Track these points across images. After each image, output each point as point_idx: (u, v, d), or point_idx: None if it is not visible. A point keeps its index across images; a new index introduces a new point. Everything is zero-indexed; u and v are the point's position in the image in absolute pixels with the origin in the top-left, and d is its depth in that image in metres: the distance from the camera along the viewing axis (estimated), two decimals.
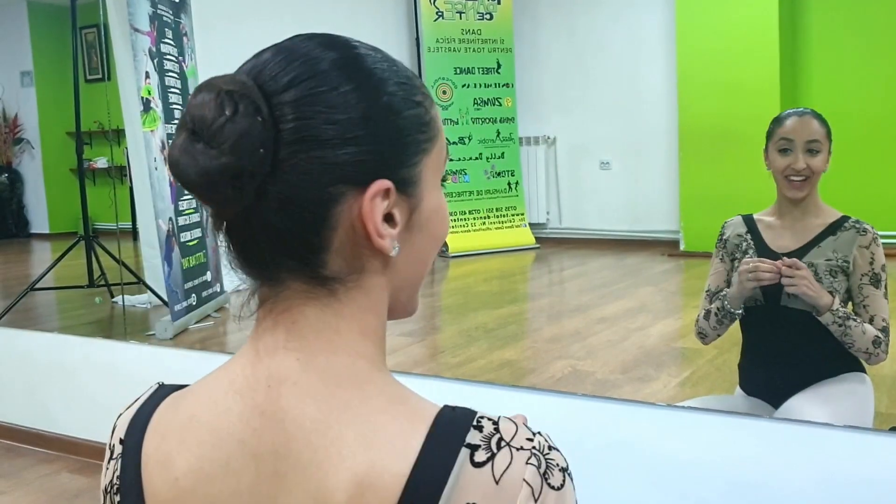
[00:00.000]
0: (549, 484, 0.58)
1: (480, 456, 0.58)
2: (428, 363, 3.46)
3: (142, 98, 3.78)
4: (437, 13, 6.38)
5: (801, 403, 1.94)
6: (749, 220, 2.07)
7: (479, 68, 6.49)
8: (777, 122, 1.99)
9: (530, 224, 6.64)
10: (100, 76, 7.72)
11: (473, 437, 0.58)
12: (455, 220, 6.37)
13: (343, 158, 0.60)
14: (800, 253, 1.95)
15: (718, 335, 2.09)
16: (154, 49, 3.86)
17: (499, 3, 6.54)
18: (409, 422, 0.60)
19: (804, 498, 1.94)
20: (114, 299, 4.50)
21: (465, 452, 0.58)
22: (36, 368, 3.37)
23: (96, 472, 3.02)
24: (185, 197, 4.07)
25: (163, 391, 0.69)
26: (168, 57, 4.02)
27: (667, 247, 6.01)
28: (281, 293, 0.63)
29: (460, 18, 6.45)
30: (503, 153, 6.61)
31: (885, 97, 5.36)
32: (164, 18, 4.03)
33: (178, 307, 3.82)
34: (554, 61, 6.70)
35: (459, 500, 0.57)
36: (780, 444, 1.97)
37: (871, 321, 1.90)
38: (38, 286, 4.43)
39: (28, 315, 4.37)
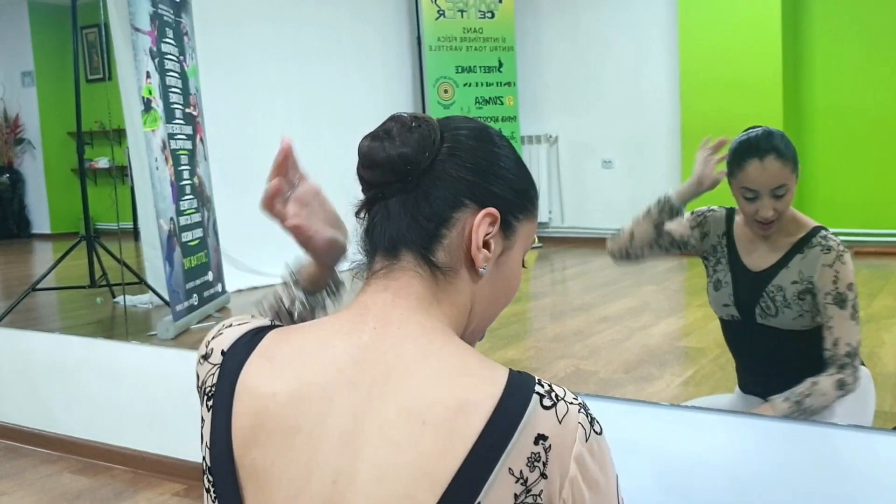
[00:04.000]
0: (594, 429, 0.77)
1: (546, 402, 0.75)
2: None
3: (143, 98, 3.77)
4: (438, 12, 6.37)
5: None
6: (729, 222, 1.99)
7: (480, 67, 6.48)
8: (737, 164, 1.83)
9: None
10: (101, 76, 7.72)
11: (540, 389, 0.76)
12: None
13: (474, 179, 0.83)
14: (769, 273, 1.89)
15: (636, 254, 2.04)
16: (155, 49, 3.85)
17: (500, 1, 6.54)
18: (491, 366, 0.77)
19: (807, 497, 1.93)
20: (115, 299, 4.50)
21: (536, 397, 0.75)
22: (37, 369, 3.36)
23: (98, 473, 3.02)
24: (186, 197, 4.06)
25: (270, 327, 0.86)
26: (169, 56, 4.02)
27: None
28: (396, 265, 0.82)
29: (462, 17, 6.44)
30: None
31: (888, 95, 5.34)
32: (165, 18, 4.02)
33: (179, 307, 3.81)
34: (556, 60, 6.69)
35: (534, 429, 0.73)
36: (783, 443, 1.96)
37: (834, 345, 1.80)
38: (39, 286, 4.43)
39: (29, 315, 4.37)
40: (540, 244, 6.48)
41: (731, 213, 2.01)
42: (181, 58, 4.18)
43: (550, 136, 6.77)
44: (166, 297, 3.94)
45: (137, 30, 3.74)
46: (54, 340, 3.45)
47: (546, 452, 0.73)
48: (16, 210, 8.73)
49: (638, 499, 2.18)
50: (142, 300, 4.43)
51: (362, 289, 0.84)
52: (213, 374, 0.84)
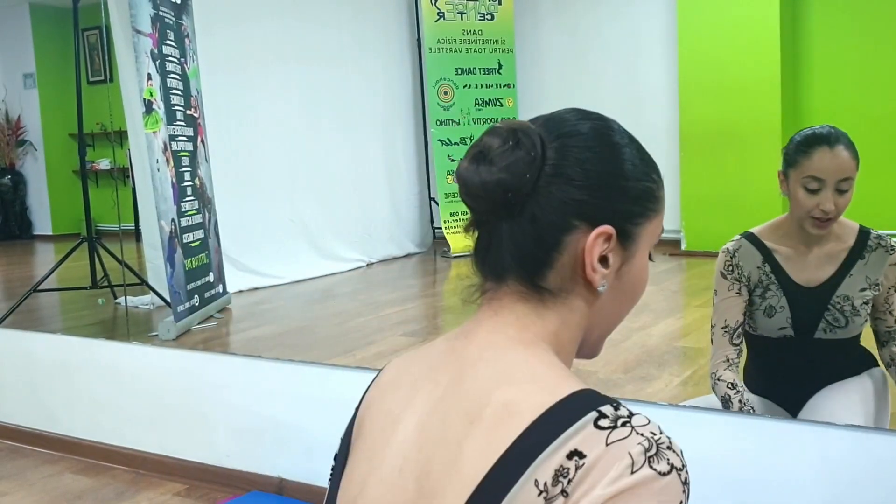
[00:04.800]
0: (651, 465, 0.65)
1: (604, 423, 0.67)
2: None
3: (144, 100, 3.79)
4: (438, 14, 6.38)
5: (823, 404, 1.90)
6: (761, 248, 1.87)
7: (480, 69, 6.50)
8: (803, 152, 1.75)
9: None
10: (102, 78, 7.73)
11: (607, 409, 0.68)
12: (457, 221, 6.37)
13: (584, 198, 0.77)
14: (830, 286, 1.83)
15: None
16: (156, 51, 3.87)
17: (500, 3, 6.55)
18: (564, 379, 0.72)
19: (808, 497, 1.94)
20: (117, 300, 4.51)
21: (593, 414, 0.67)
22: (39, 369, 3.37)
23: (99, 473, 3.03)
24: (188, 198, 4.08)
25: None
26: (170, 58, 4.03)
27: (668, 246, 6.01)
28: (501, 289, 0.79)
29: (461, 19, 6.46)
30: None
31: (886, 98, 5.36)
32: (166, 20, 4.03)
33: (180, 308, 3.83)
34: (555, 62, 6.70)
35: (571, 445, 0.67)
36: (783, 443, 1.97)
37: None
38: (41, 287, 4.44)
39: (31, 316, 4.38)
40: None
41: (752, 237, 1.90)
42: (182, 60, 4.19)
43: None
44: (167, 298, 3.95)
45: (138, 32, 3.76)
46: (56, 341, 3.46)
47: (577, 470, 0.66)
48: (17, 211, 8.74)
49: None
50: (143, 301, 4.44)
51: (478, 309, 0.83)
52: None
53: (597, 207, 0.77)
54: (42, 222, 8.70)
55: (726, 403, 1.86)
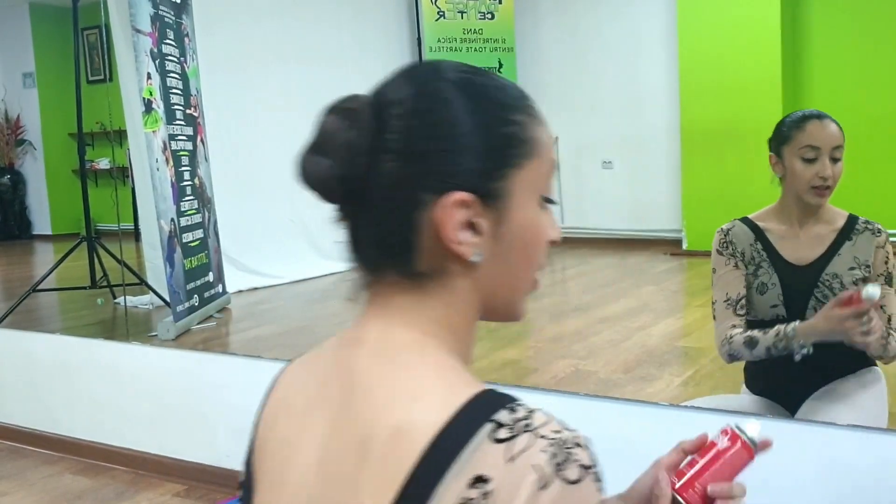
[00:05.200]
0: (561, 476, 0.58)
1: (503, 434, 0.60)
2: None
3: (143, 99, 3.78)
4: (438, 13, 6.37)
5: (822, 405, 1.90)
6: (754, 228, 1.94)
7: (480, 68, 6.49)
8: (796, 127, 1.86)
9: None
10: (101, 77, 7.73)
11: (503, 416, 0.61)
12: None
13: (421, 169, 0.68)
14: (820, 264, 1.89)
15: (753, 359, 1.92)
16: (156, 50, 3.86)
17: (500, 2, 6.54)
18: (455, 387, 0.65)
19: (810, 498, 1.93)
20: (116, 300, 4.50)
21: (489, 426, 0.60)
22: (38, 369, 3.37)
23: (99, 473, 3.02)
24: (187, 197, 4.07)
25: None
26: (169, 58, 4.03)
27: (669, 246, 6.01)
28: (380, 283, 0.72)
29: (462, 18, 6.45)
30: None
31: (887, 97, 5.35)
32: (166, 19, 4.03)
33: (180, 308, 3.82)
34: (556, 61, 6.70)
35: (471, 469, 0.59)
36: (784, 443, 1.96)
37: (888, 321, 1.86)
38: (40, 287, 4.43)
39: (30, 316, 4.38)
40: None
41: (745, 219, 1.97)
42: (182, 59, 4.18)
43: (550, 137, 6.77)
44: (167, 298, 3.95)
45: (138, 31, 3.75)
46: (55, 341, 3.45)
47: (484, 499, 0.58)
48: (17, 211, 8.73)
49: None
50: (142, 301, 4.43)
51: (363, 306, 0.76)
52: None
53: (439, 175, 0.68)
54: (41, 222, 8.70)
55: (753, 344, 1.83)
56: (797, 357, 1.79)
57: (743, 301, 1.91)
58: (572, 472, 0.59)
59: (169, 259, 3.83)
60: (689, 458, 0.93)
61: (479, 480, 0.58)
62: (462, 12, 6.45)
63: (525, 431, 0.59)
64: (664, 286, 5.09)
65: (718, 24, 5.73)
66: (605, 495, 0.63)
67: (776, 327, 1.81)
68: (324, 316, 4.45)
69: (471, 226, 0.69)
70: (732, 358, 1.90)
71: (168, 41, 4.02)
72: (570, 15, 6.60)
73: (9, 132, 8.79)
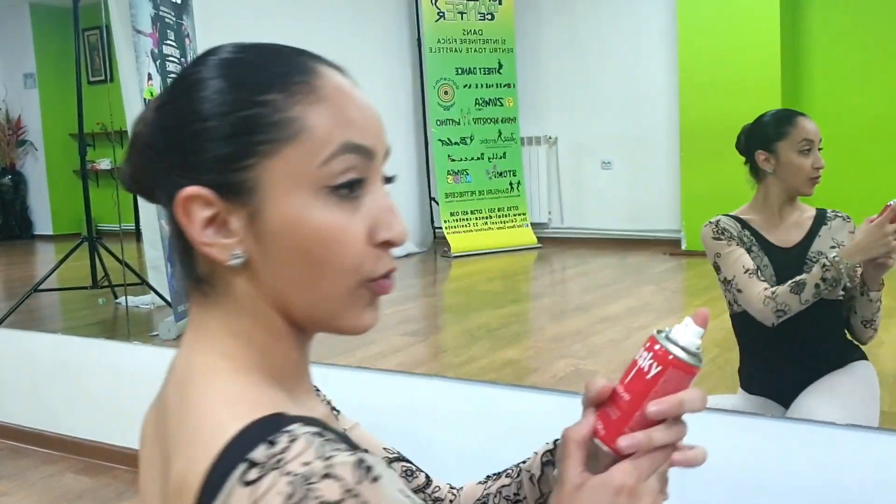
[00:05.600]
0: None
1: (252, 475, 0.53)
2: (430, 363, 3.46)
3: (144, 99, 3.79)
4: (438, 13, 6.38)
5: (813, 401, 1.93)
6: (737, 219, 2.08)
7: (480, 68, 6.50)
8: (788, 123, 2.00)
9: (532, 224, 6.64)
10: (102, 78, 7.73)
11: (258, 453, 0.54)
12: (457, 220, 6.37)
13: (168, 164, 0.62)
14: (805, 244, 2.02)
15: (799, 309, 1.90)
16: (156, 51, 3.87)
17: (500, 3, 6.55)
18: (225, 424, 0.57)
19: (810, 498, 1.94)
20: (117, 300, 4.50)
21: (241, 467, 0.53)
22: (40, 369, 3.37)
23: (100, 473, 3.03)
24: None
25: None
26: (170, 58, 4.03)
27: (668, 246, 6.01)
28: (187, 294, 0.67)
29: (462, 19, 6.45)
30: (505, 153, 6.61)
31: (886, 96, 5.35)
32: (166, 20, 4.03)
33: (181, 308, 3.82)
34: (555, 61, 6.70)
35: None
36: (784, 443, 1.97)
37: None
38: (41, 287, 4.44)
39: (32, 316, 4.38)
40: (540, 245, 6.49)
41: (726, 215, 2.11)
42: (183, 60, 4.19)
43: (550, 138, 6.78)
44: (168, 298, 3.95)
45: (139, 32, 3.76)
46: (56, 341, 3.46)
47: None
48: (18, 211, 8.74)
49: None
50: (143, 301, 4.43)
51: None
52: None
53: (181, 168, 0.61)
54: (42, 222, 8.70)
55: (800, 287, 1.85)
56: (847, 283, 1.84)
57: (759, 271, 1.97)
58: None
59: (170, 259, 3.83)
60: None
61: None
62: (462, 13, 6.45)
63: (273, 469, 0.52)
64: (664, 286, 5.10)
65: (718, 25, 5.73)
66: None
67: (819, 262, 1.87)
68: None
69: (223, 224, 0.61)
70: (780, 314, 1.89)
71: (169, 42, 4.03)
72: (570, 15, 6.61)
73: (10, 133, 8.80)
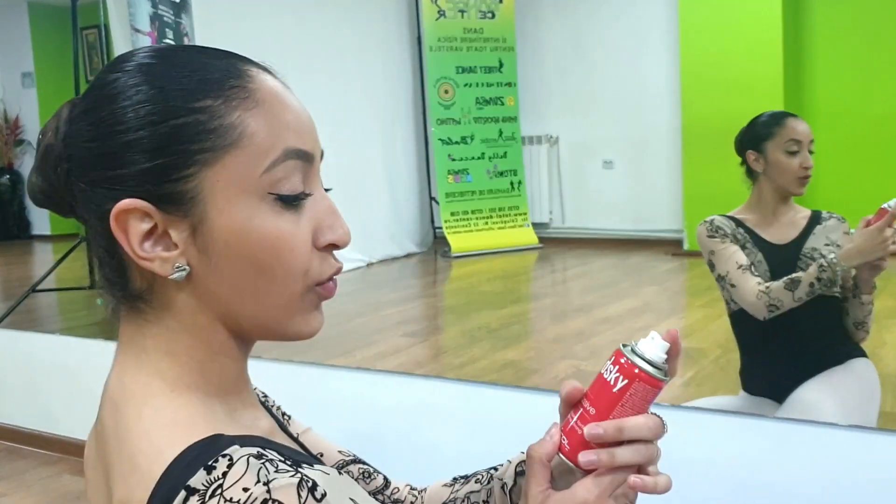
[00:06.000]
0: None
1: (194, 501, 0.51)
2: (430, 364, 3.45)
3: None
4: (438, 12, 6.36)
5: (809, 395, 1.94)
6: (732, 219, 2.10)
7: (481, 67, 6.48)
8: (776, 124, 2.03)
9: (533, 224, 6.62)
10: None
11: (197, 479, 0.52)
12: (457, 220, 6.36)
13: (98, 175, 0.60)
14: (799, 241, 2.03)
15: (792, 306, 1.90)
16: None
17: (501, 1, 6.53)
18: (161, 448, 0.55)
19: (810, 498, 1.93)
20: None
21: (181, 496, 0.52)
22: (38, 370, 3.36)
23: None
24: None
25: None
26: None
27: (670, 246, 6.00)
28: (115, 311, 0.65)
29: (462, 17, 6.44)
30: (506, 153, 6.60)
31: (889, 95, 5.34)
32: (165, 19, 4.02)
33: None
34: (556, 60, 6.69)
35: None
36: (785, 444, 1.95)
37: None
38: (39, 288, 4.42)
39: (30, 317, 4.37)
40: (541, 245, 6.48)
41: (719, 215, 2.14)
42: None
43: (551, 137, 6.76)
44: None
45: (137, 31, 3.74)
46: (55, 342, 3.45)
47: None
48: (16, 211, 8.73)
49: (638, 500, 2.17)
50: None
51: None
52: None
53: (110, 181, 0.59)
54: (40, 222, 8.69)
55: (795, 284, 1.86)
56: (843, 276, 1.85)
57: (753, 267, 1.99)
58: None
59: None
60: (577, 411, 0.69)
61: None
62: (462, 11, 6.44)
63: (213, 496, 0.51)
64: (665, 286, 5.08)
65: (720, 24, 5.72)
66: None
67: (816, 262, 1.87)
68: (325, 315, 4.44)
69: (164, 237, 0.60)
70: (773, 309, 1.89)
71: (167, 41, 4.01)
72: (572, 14, 6.59)
73: (8, 132, 8.79)
